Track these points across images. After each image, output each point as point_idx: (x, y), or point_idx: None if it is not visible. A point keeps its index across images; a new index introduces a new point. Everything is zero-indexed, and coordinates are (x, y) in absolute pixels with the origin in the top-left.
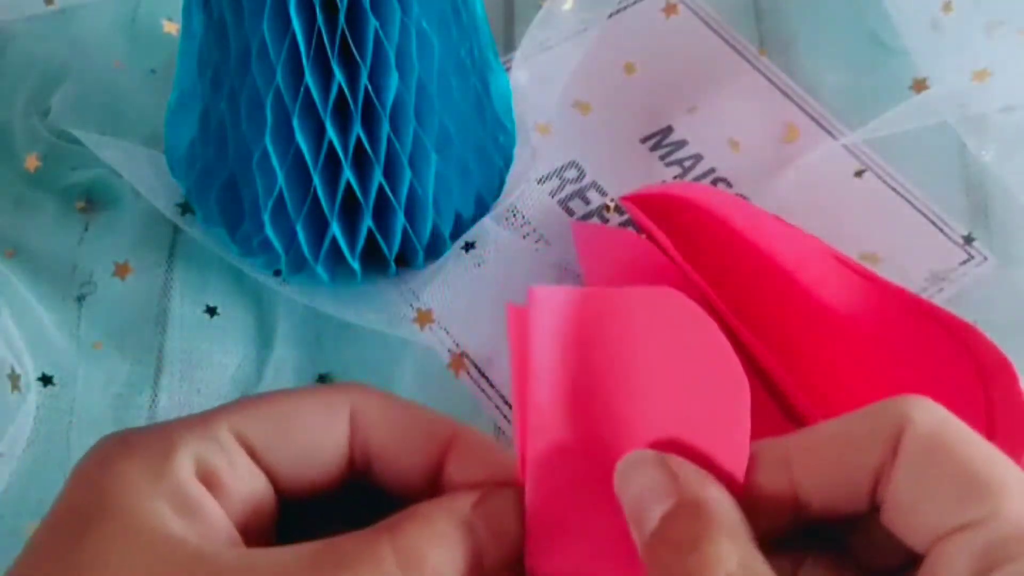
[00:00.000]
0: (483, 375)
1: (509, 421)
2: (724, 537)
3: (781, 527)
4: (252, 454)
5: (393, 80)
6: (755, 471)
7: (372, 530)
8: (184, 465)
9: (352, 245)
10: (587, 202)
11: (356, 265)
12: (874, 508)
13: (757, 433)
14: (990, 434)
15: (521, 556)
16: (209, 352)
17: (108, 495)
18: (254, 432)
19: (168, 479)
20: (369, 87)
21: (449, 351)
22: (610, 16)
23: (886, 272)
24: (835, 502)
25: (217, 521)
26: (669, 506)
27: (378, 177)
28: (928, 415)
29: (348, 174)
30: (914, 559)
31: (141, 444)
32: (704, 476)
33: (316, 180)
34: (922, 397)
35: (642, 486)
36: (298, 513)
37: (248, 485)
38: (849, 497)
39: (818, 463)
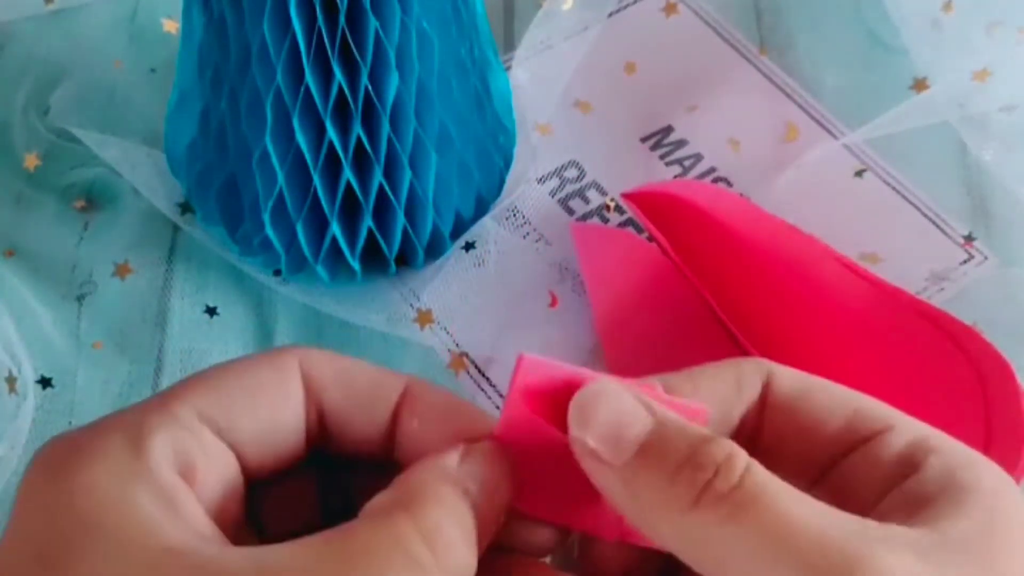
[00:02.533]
0: (483, 375)
1: None
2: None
3: None
4: (218, 433)
5: (393, 80)
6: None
7: (386, 511)
8: (161, 459)
9: (352, 245)
10: (587, 202)
11: (356, 265)
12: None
13: None
14: (988, 436)
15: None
16: (209, 352)
17: (84, 510)
18: (217, 410)
19: (147, 479)
20: (369, 87)
21: (449, 351)
22: (610, 16)
23: (886, 272)
24: None
25: (201, 518)
26: (650, 424)
27: (378, 177)
28: (788, 370)
29: (348, 174)
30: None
31: (102, 443)
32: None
33: (316, 180)
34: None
35: (614, 411)
36: (260, 497)
37: (221, 470)
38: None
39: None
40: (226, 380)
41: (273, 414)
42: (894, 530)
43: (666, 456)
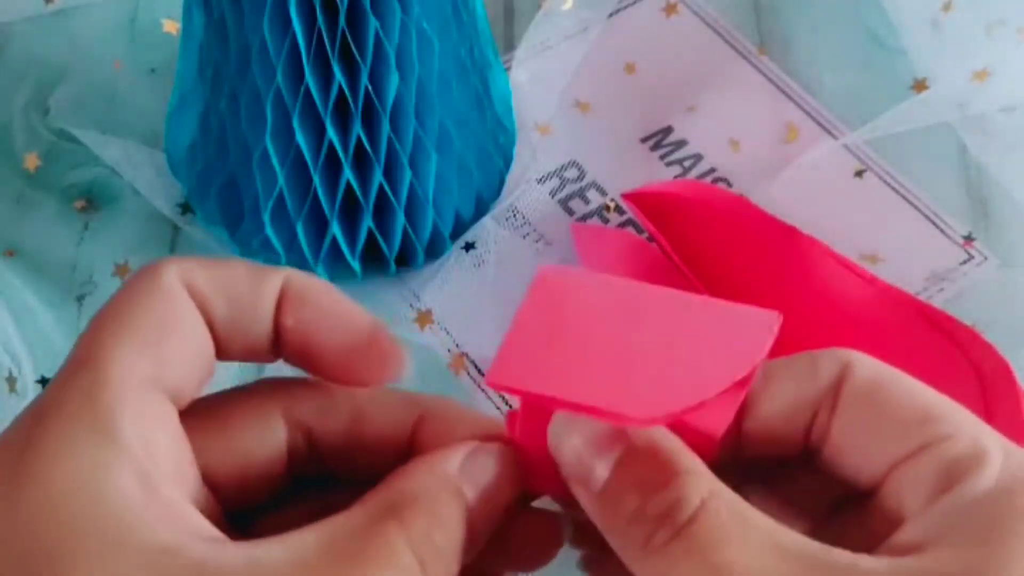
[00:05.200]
0: (483, 375)
1: None
2: (688, 473)
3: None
4: (164, 391)
5: (393, 80)
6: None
7: (376, 512)
8: (136, 443)
9: (352, 245)
10: (587, 202)
11: (356, 265)
12: (806, 453)
13: None
14: None
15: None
16: None
17: (63, 511)
18: (153, 366)
19: (125, 468)
20: (369, 87)
21: (449, 351)
22: (610, 16)
23: (886, 272)
24: (772, 444)
25: (190, 511)
26: (618, 454)
27: (378, 177)
28: (866, 361)
29: (348, 174)
30: (846, 497)
31: (67, 430)
32: None
33: (316, 180)
34: (857, 351)
35: (583, 439)
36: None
37: (172, 431)
38: (786, 435)
39: (763, 394)
40: (143, 324)
41: (191, 351)
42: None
43: (624, 498)
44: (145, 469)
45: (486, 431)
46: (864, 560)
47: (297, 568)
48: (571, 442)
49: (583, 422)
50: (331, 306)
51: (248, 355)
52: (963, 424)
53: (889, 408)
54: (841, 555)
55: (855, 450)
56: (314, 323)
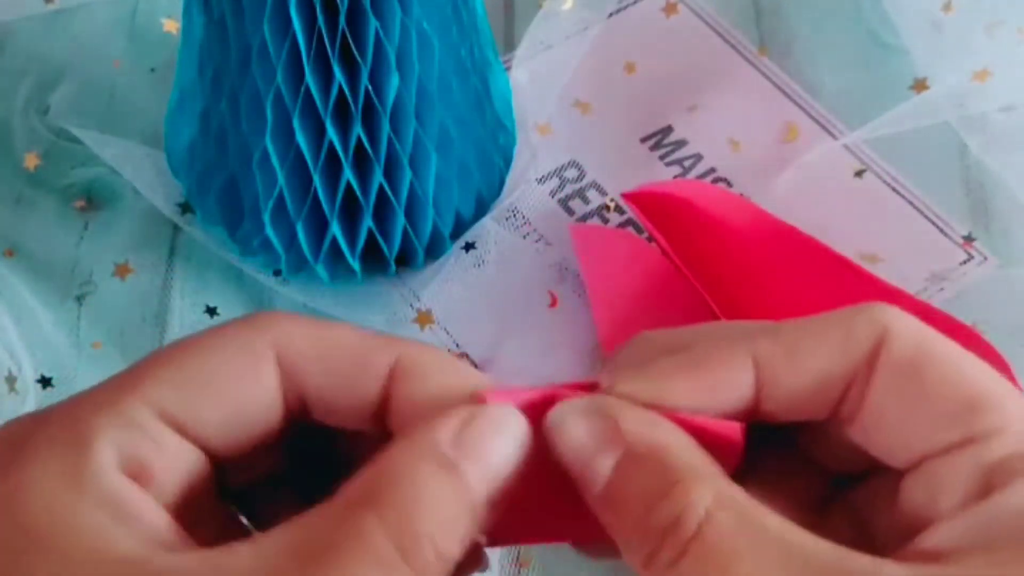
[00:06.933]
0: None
1: None
2: (691, 479)
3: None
4: (179, 429)
5: (393, 80)
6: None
7: (348, 504)
8: (106, 460)
9: (352, 245)
10: (587, 202)
11: (356, 265)
12: (836, 419)
13: None
14: None
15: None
16: None
17: (26, 514)
18: (177, 404)
19: (93, 481)
20: (369, 87)
21: (449, 351)
22: (610, 16)
23: (886, 272)
24: (797, 409)
25: (157, 521)
26: (617, 456)
27: (378, 177)
28: (908, 327)
29: (348, 174)
30: (874, 468)
31: (45, 441)
32: (649, 416)
33: (316, 180)
34: (897, 308)
35: (580, 437)
36: (237, 468)
37: (180, 465)
38: (814, 406)
39: (787, 369)
40: (189, 366)
41: (242, 404)
42: None
43: (625, 505)
44: (111, 488)
45: (470, 388)
46: (887, 567)
47: (262, 568)
48: (571, 434)
49: (581, 414)
50: (444, 387)
51: (349, 422)
52: (1016, 416)
53: (931, 390)
54: (861, 561)
55: (888, 432)
56: (427, 403)
